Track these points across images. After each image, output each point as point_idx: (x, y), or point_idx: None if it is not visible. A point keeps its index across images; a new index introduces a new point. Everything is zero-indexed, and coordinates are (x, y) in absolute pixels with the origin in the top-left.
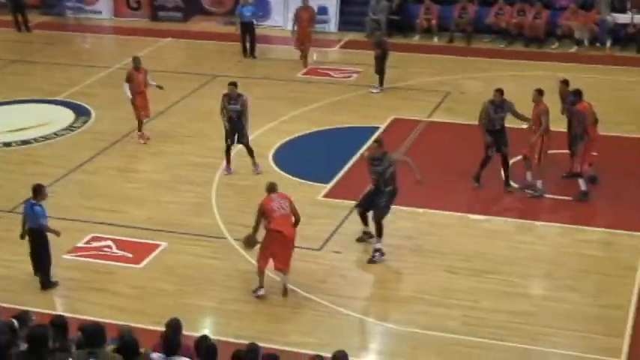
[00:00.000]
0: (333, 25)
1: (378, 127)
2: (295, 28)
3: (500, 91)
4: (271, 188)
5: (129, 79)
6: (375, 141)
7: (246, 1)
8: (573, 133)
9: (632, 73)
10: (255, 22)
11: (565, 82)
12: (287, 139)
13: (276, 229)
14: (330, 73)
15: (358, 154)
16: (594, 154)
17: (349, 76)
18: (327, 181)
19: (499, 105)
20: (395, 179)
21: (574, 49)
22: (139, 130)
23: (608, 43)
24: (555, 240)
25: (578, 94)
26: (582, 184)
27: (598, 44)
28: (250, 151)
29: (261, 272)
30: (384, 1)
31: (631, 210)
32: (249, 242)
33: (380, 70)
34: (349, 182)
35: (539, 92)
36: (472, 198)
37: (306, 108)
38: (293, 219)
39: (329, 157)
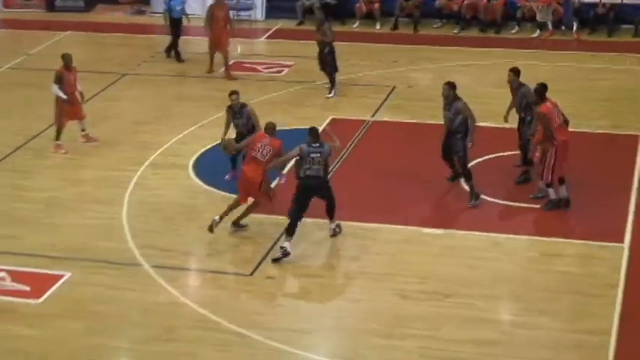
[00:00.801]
0: (259, 13)
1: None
2: (208, 29)
3: (448, 85)
4: (269, 127)
5: (59, 80)
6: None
7: None
8: (528, 135)
9: (602, 60)
10: (185, 17)
11: (515, 71)
12: (209, 146)
13: (243, 169)
14: (258, 67)
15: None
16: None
17: (280, 71)
18: None
19: (448, 102)
20: (298, 174)
21: (536, 33)
22: (57, 138)
23: (575, 27)
24: (523, 255)
25: (540, 93)
26: (551, 193)
27: (563, 28)
28: None
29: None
30: None
31: (608, 217)
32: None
33: (333, 68)
34: (282, 195)
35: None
36: (425, 209)
37: None
38: (264, 167)
39: None
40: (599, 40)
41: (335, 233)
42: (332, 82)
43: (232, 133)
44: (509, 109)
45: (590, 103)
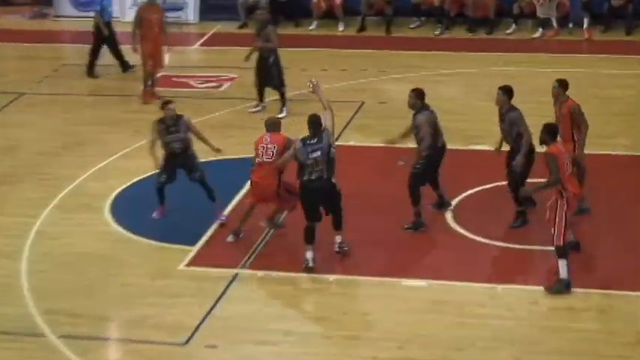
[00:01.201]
0: (191, 13)
1: None
2: (138, 37)
3: (414, 92)
4: (268, 123)
5: None
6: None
7: None
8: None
9: (620, 64)
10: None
11: (505, 91)
12: (131, 182)
13: (253, 179)
14: (191, 82)
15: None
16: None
17: (218, 86)
18: (191, 242)
19: (414, 112)
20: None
21: (538, 33)
22: None
23: (586, 23)
24: (528, 310)
25: (551, 131)
26: (562, 268)
27: (571, 25)
28: (210, 191)
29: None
30: None
31: (630, 259)
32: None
33: (272, 83)
34: (224, 241)
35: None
36: (405, 255)
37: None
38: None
39: (193, 207)
40: (615, 40)
41: (341, 249)
42: (282, 98)
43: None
44: (501, 141)
45: (607, 117)
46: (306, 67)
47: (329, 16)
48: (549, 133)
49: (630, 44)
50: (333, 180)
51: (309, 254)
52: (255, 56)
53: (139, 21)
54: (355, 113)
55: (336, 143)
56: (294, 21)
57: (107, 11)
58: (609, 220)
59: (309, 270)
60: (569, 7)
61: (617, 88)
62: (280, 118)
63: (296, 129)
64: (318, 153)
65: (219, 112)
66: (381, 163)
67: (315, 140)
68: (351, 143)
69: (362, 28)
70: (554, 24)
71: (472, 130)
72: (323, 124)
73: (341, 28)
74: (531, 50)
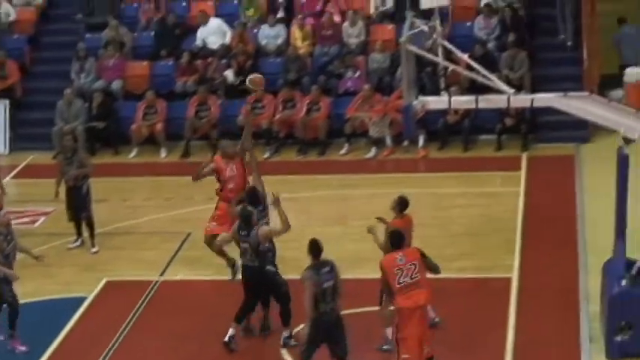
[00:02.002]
0: (1, 144)
1: (83, 298)
2: None
3: (249, 192)
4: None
5: None
6: None
7: None
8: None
9: (458, 182)
10: None
11: (311, 249)
12: None
13: None
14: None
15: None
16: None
17: (33, 221)
18: None
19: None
20: None
21: (372, 152)
22: None
23: (422, 141)
24: None
25: (396, 238)
26: None
27: (406, 143)
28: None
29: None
30: (79, 100)
31: None
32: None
33: (84, 215)
34: None
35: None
36: None
37: None
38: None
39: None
40: (452, 157)
41: (285, 344)
42: (91, 230)
43: None
44: None
45: (448, 239)
46: (126, 196)
47: (150, 141)
48: (391, 240)
49: (468, 161)
50: (269, 268)
51: (230, 331)
52: (62, 189)
53: None
54: (181, 245)
55: (162, 278)
56: (113, 148)
57: None
58: (454, 352)
59: (226, 345)
60: (402, 124)
61: (457, 208)
62: (94, 252)
63: (117, 264)
64: (247, 245)
65: (35, 250)
66: (213, 299)
67: (246, 232)
68: (180, 277)
69: (186, 153)
70: (389, 142)
71: (306, 258)
72: (254, 221)
73: (163, 154)
74: (366, 171)
